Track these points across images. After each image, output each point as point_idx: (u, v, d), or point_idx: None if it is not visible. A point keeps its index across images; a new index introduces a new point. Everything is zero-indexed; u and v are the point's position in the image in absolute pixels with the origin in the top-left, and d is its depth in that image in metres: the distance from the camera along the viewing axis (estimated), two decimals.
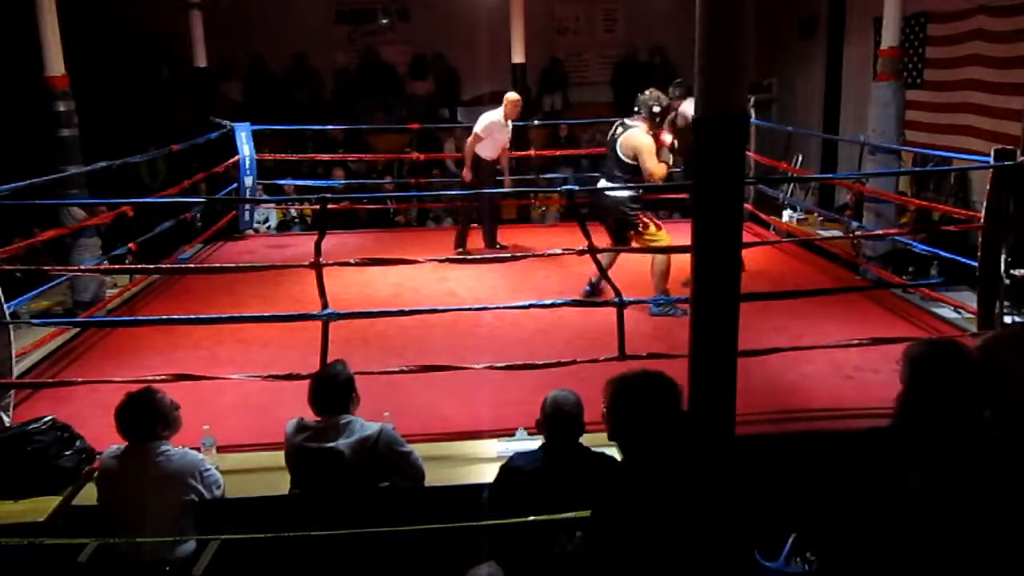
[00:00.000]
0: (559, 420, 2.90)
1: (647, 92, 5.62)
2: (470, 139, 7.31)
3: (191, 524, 3.06)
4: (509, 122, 7.39)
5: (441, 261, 4.57)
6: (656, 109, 5.52)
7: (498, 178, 7.56)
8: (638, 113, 5.58)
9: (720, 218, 2.67)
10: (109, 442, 3.18)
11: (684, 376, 2.82)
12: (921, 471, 1.95)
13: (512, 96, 7.36)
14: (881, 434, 2.08)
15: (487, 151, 7.34)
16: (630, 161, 5.51)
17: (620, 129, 5.61)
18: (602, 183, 5.73)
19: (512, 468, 2.89)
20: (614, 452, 3.32)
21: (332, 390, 3.09)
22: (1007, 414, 2.04)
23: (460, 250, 7.32)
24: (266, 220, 9.38)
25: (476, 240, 7.49)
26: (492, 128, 7.26)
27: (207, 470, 3.14)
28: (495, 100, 11.99)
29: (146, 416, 3.07)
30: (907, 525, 1.95)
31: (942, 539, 1.92)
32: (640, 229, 5.54)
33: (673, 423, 2.26)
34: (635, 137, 5.49)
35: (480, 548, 2.73)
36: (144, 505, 2.97)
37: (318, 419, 3.07)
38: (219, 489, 3.17)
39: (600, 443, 3.43)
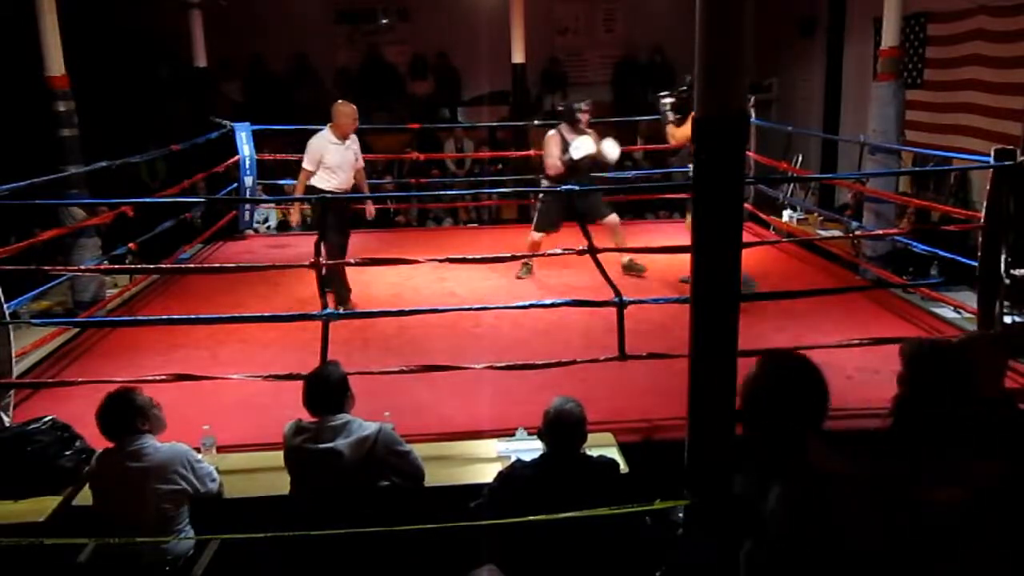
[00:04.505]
0: (560, 430, 2.87)
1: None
2: (301, 175, 5.79)
3: (187, 516, 3.05)
4: (349, 140, 5.77)
5: (441, 261, 4.56)
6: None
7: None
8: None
9: (720, 218, 2.66)
10: (108, 442, 3.18)
11: (684, 376, 2.82)
12: (920, 470, 1.96)
13: (340, 105, 5.78)
14: (879, 435, 2.09)
15: (326, 182, 5.69)
16: None
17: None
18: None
19: (511, 477, 2.87)
20: (614, 454, 3.33)
21: (326, 391, 3.08)
22: (981, 413, 2.07)
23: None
24: (266, 220, 9.38)
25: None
26: (317, 154, 5.68)
27: (198, 461, 3.12)
28: (495, 100, 12.13)
29: (123, 412, 3.05)
30: (903, 525, 1.96)
31: (936, 537, 1.93)
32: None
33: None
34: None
35: (480, 549, 2.72)
36: (137, 500, 2.96)
37: (315, 420, 3.06)
38: (213, 482, 3.15)
39: (601, 443, 3.46)
